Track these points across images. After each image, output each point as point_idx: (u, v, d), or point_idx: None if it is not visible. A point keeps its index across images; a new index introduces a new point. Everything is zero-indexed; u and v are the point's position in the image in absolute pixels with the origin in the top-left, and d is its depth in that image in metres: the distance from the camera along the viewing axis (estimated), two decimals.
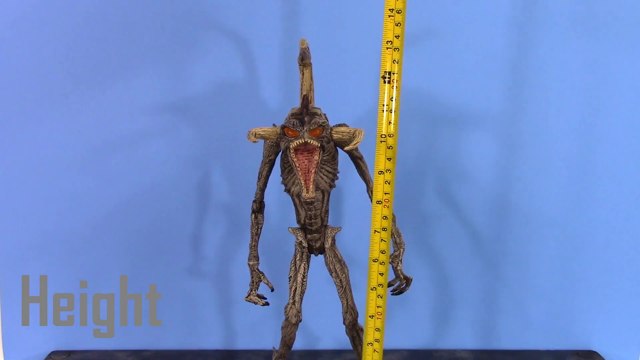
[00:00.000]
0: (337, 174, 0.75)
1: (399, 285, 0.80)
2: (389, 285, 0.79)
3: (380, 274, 0.75)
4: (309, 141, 0.67)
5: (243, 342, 1.12)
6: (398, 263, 0.79)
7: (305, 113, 0.68)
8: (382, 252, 0.74)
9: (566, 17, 1.00)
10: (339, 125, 0.72)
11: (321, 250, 0.80)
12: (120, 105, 1.02)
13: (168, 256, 1.08)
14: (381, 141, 0.71)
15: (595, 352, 1.10)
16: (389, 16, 0.69)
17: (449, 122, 1.03)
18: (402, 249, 0.79)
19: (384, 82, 0.70)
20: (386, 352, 1.09)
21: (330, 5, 0.99)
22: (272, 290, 0.82)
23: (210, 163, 1.05)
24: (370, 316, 0.76)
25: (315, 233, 0.78)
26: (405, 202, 1.06)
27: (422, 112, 1.03)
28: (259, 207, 0.80)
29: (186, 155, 1.04)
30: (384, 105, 0.71)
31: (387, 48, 0.69)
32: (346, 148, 0.70)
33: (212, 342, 1.12)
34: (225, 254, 1.08)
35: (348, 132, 0.69)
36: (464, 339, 1.12)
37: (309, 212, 0.75)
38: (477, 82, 1.02)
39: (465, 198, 1.07)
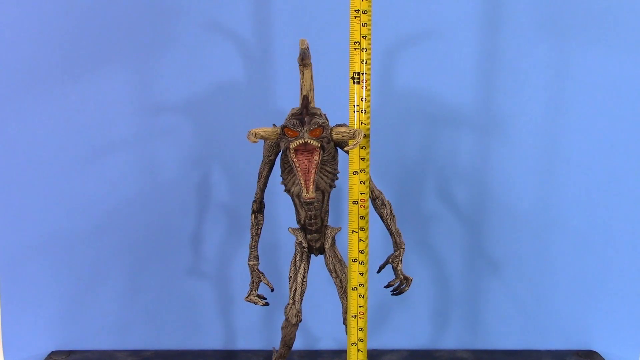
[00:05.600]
0: (337, 174, 0.75)
1: (399, 285, 0.80)
2: (389, 285, 0.80)
3: (360, 273, 0.75)
4: (309, 141, 0.67)
5: (243, 342, 1.12)
6: (398, 263, 0.79)
7: (305, 113, 0.68)
8: (361, 252, 0.75)
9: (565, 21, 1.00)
10: (339, 125, 0.72)
11: (321, 251, 0.80)
12: (120, 106, 1.02)
13: (168, 256, 1.08)
14: None
15: (595, 352, 1.10)
16: (355, 17, 0.69)
17: (449, 122, 1.03)
18: (402, 249, 0.79)
19: (354, 82, 0.71)
20: (386, 352, 1.09)
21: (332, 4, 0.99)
22: (272, 290, 0.82)
23: (210, 163, 1.05)
24: (352, 316, 0.77)
25: (315, 233, 0.78)
26: (405, 202, 1.06)
27: (422, 112, 1.03)
28: (259, 207, 0.80)
29: (186, 155, 1.04)
30: (354, 106, 0.71)
31: (355, 49, 0.70)
32: (346, 148, 0.70)
33: (212, 342, 1.12)
34: (225, 254, 1.09)
35: (348, 132, 0.69)
36: (464, 339, 1.12)
37: (309, 213, 0.75)
38: (477, 82, 1.02)
39: (465, 198, 1.07)
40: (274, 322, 1.10)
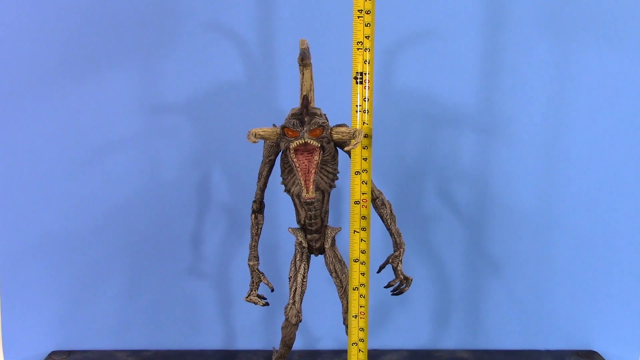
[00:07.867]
0: (337, 174, 0.75)
1: (399, 285, 0.80)
2: (389, 285, 0.80)
3: (361, 274, 0.76)
4: (309, 141, 0.67)
5: (243, 342, 1.12)
6: (398, 263, 0.79)
7: (305, 113, 0.68)
8: (362, 252, 0.75)
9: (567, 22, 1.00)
10: (339, 125, 0.72)
11: (321, 251, 0.80)
12: (121, 105, 1.02)
13: (168, 256, 1.08)
14: None
15: (595, 352, 1.10)
16: (358, 17, 0.69)
17: (450, 122, 1.03)
18: (402, 249, 0.78)
19: (356, 82, 0.71)
20: (386, 352, 1.09)
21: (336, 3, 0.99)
22: (272, 290, 0.82)
23: (210, 163, 1.05)
24: (353, 316, 0.77)
25: (315, 233, 0.78)
26: (405, 202, 1.06)
27: (423, 112, 1.03)
28: (259, 208, 0.80)
29: (186, 155, 1.04)
30: (357, 106, 0.71)
31: (358, 49, 0.70)
32: (346, 148, 0.70)
33: (212, 342, 1.12)
34: (225, 254, 1.09)
35: (348, 132, 0.69)
36: (464, 339, 1.12)
37: (309, 213, 0.75)
38: (477, 82, 1.02)
39: (465, 198, 1.07)
40: (274, 322, 1.10)
